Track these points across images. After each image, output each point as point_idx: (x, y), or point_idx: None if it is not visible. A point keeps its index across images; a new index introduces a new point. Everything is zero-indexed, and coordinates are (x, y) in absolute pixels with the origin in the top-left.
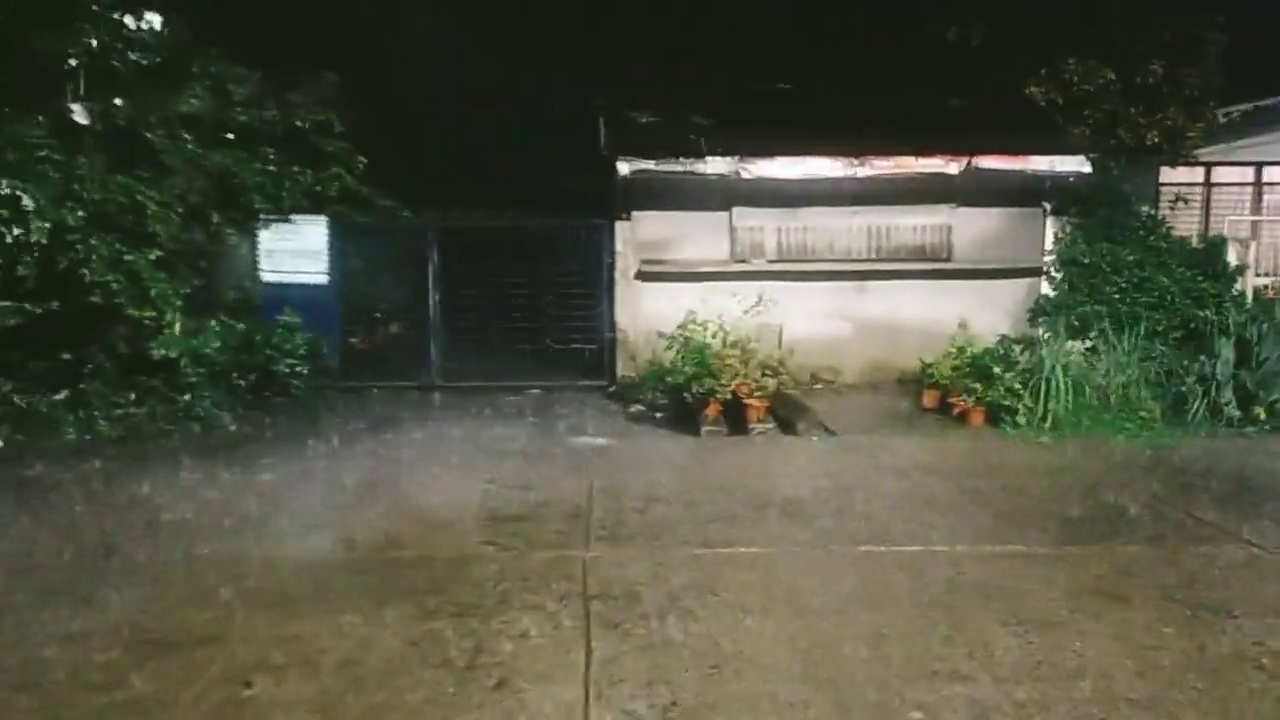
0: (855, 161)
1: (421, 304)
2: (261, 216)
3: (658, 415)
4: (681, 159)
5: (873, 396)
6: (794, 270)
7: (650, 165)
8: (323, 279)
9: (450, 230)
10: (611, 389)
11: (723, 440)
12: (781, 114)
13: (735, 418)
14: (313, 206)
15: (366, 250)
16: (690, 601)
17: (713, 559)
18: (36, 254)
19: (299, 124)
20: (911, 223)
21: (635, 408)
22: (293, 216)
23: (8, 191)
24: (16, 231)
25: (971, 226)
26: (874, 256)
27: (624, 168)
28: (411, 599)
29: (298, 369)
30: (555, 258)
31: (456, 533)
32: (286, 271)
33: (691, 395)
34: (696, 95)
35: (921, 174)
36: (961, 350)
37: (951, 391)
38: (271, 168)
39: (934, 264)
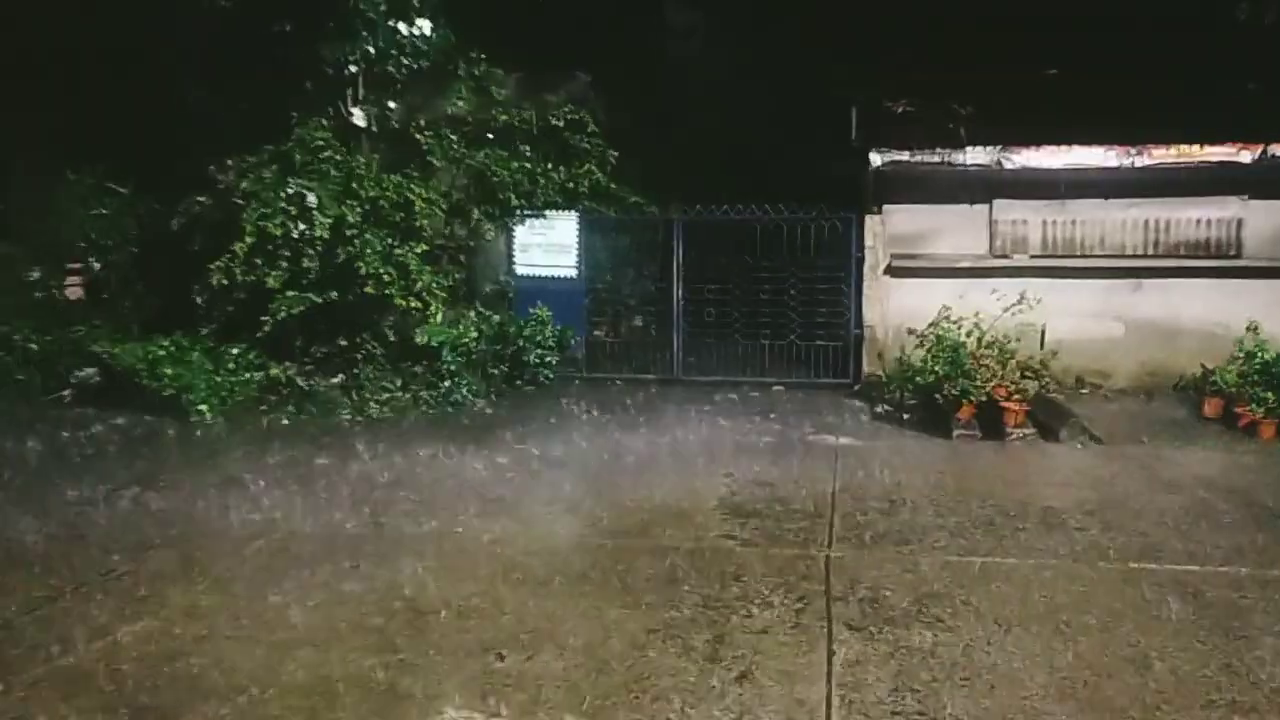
0: (1131, 150)
1: (665, 298)
2: (517, 212)
3: (905, 416)
4: (938, 149)
5: (1145, 403)
6: (1060, 266)
7: (904, 156)
8: (571, 272)
9: (695, 224)
10: (856, 387)
11: (976, 445)
12: (1047, 100)
13: (990, 422)
14: (564, 202)
15: (613, 244)
16: (940, 609)
17: (964, 567)
18: (319, 248)
19: (554, 122)
20: (1194, 215)
21: (881, 407)
22: (545, 212)
23: (295, 190)
24: (302, 227)
25: (1266, 220)
26: (1150, 252)
27: (876, 159)
28: (653, 587)
29: (547, 359)
30: (801, 251)
31: (696, 525)
32: (538, 265)
33: (943, 396)
34: (954, 82)
35: (1208, 163)
36: (1251, 355)
37: (1238, 400)
38: (527, 165)
39: (1220, 261)
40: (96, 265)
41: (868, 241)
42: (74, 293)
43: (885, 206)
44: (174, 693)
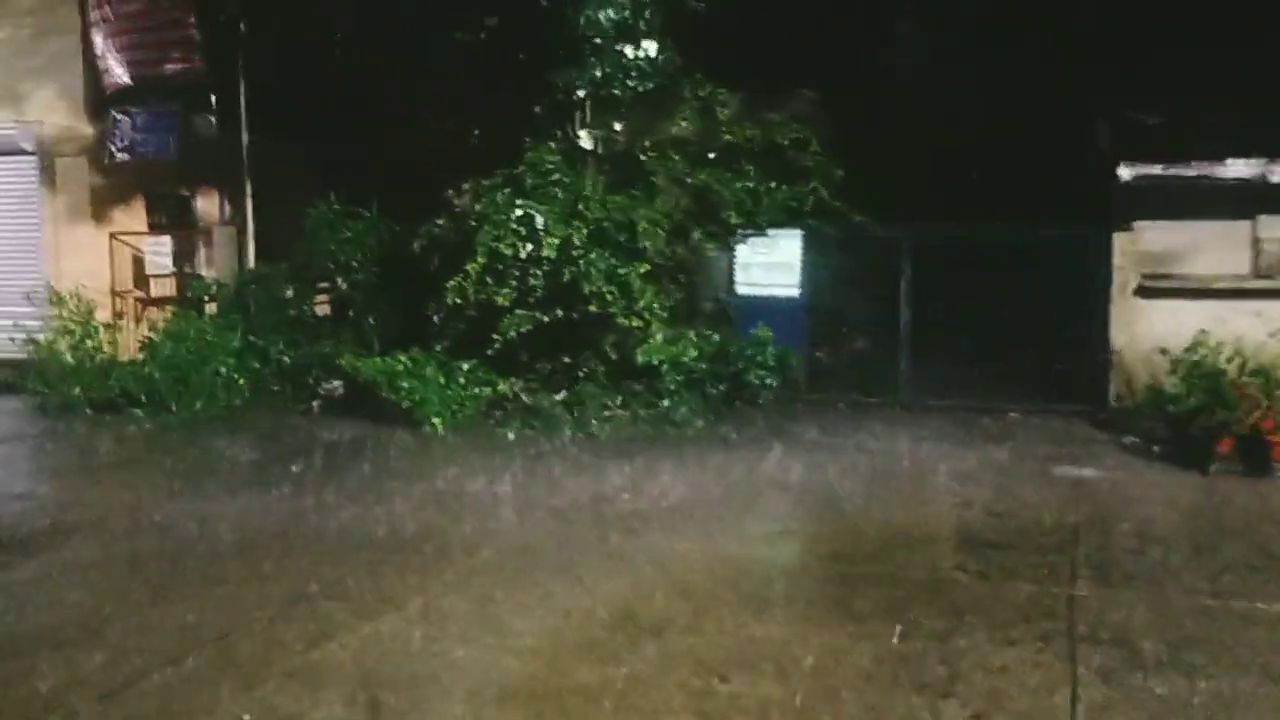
0: None
1: (890, 318)
2: (738, 231)
3: (1155, 448)
4: (1194, 162)
5: None
6: None
7: (1156, 169)
8: (792, 292)
9: (924, 242)
10: (1101, 416)
11: (1237, 481)
12: None
13: (1254, 456)
14: (787, 221)
15: (836, 263)
16: (1196, 656)
17: (1224, 612)
18: (546, 267)
19: (778, 141)
20: None
21: (1128, 438)
22: (767, 230)
23: (524, 212)
24: (530, 247)
25: None
26: None
27: (1125, 173)
28: (882, 616)
29: (767, 380)
30: (1039, 271)
31: (927, 554)
32: (759, 284)
33: (1199, 428)
34: (1212, 90)
35: None
36: None
37: None
38: (749, 184)
39: None
40: (343, 284)
41: (1115, 260)
42: (322, 310)
43: (1134, 223)
44: (409, 691)
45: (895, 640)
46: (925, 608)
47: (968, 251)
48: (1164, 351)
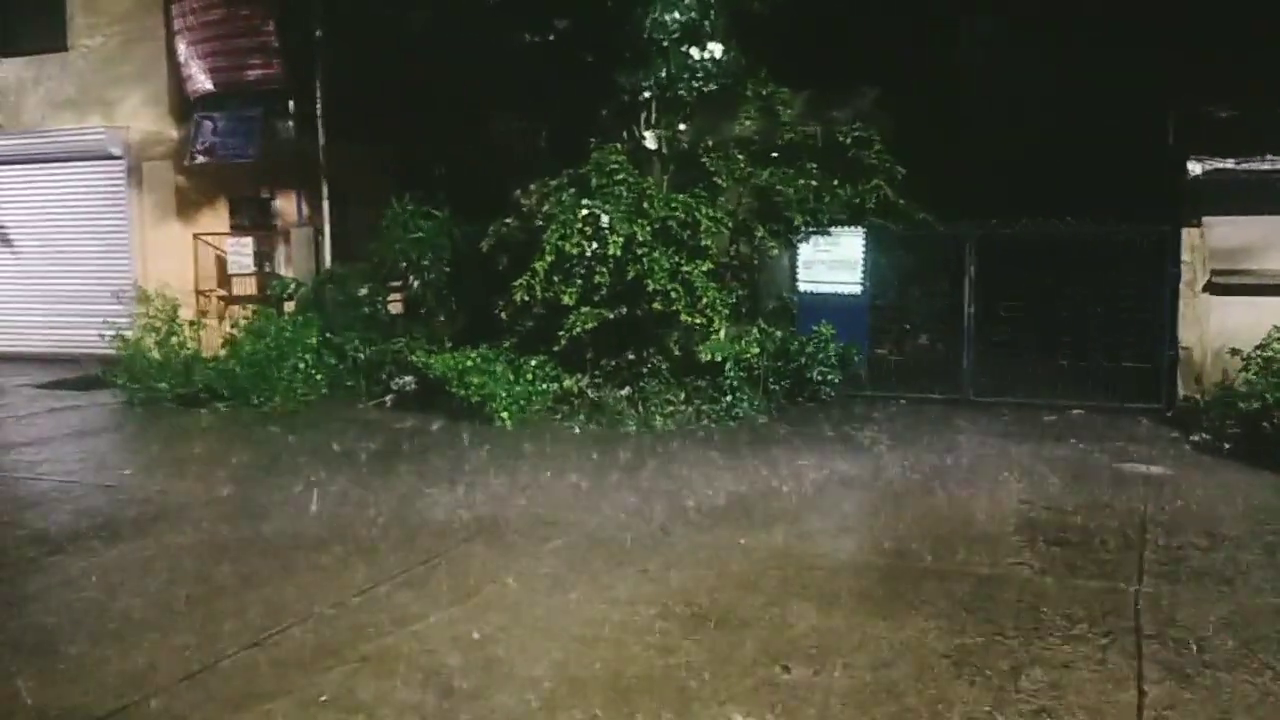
0: None
1: (954, 315)
2: (801, 229)
3: (1226, 446)
4: (1268, 156)
5: None
6: None
7: (1228, 164)
8: (855, 289)
9: (988, 239)
10: (1169, 414)
11: None
12: None
13: None
14: (850, 218)
15: (899, 260)
16: (1268, 656)
17: None
18: (611, 265)
19: (840, 139)
20: None
21: (1198, 435)
22: (830, 228)
23: (589, 211)
24: (595, 245)
25: None
26: None
27: (1195, 167)
28: (944, 611)
29: (829, 377)
30: (1105, 267)
31: (990, 550)
32: (821, 281)
33: (1272, 425)
34: None
35: None
36: None
37: None
38: (813, 182)
39: None
40: (414, 283)
41: (1184, 256)
42: (395, 308)
43: (1205, 219)
44: (480, 678)
45: (958, 635)
46: (989, 603)
47: (1033, 248)
48: (1235, 350)
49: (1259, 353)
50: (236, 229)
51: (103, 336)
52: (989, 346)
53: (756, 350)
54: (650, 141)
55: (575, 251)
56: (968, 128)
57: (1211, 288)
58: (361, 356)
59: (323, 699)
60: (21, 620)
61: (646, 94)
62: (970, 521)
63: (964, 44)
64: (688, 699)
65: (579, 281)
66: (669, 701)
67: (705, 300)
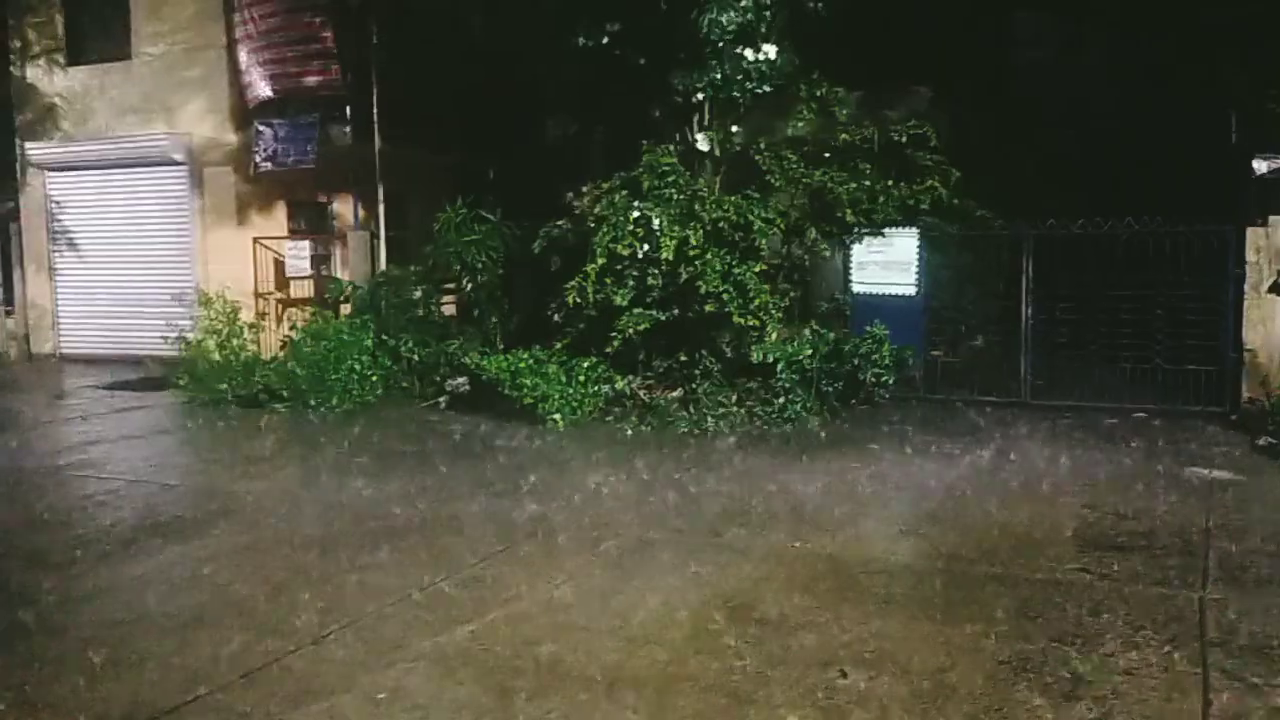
0: None
1: (1011, 316)
2: (854, 230)
3: None
4: None
5: None
6: None
7: None
8: (909, 290)
9: (1046, 239)
10: (1233, 417)
11: None
12: None
13: None
14: (904, 219)
15: (955, 261)
16: None
17: None
18: (663, 267)
19: (895, 139)
20: None
21: (1264, 439)
22: (883, 229)
23: (641, 213)
24: (647, 247)
25: None
26: None
27: (1260, 166)
28: (1002, 616)
29: (883, 379)
30: (1166, 268)
31: (1049, 556)
32: (875, 283)
33: None
34: None
35: None
36: None
37: None
38: (866, 182)
39: None
40: (468, 285)
41: (1249, 256)
42: (449, 310)
43: (1270, 218)
44: (536, 676)
45: (1019, 640)
46: (1048, 609)
47: (1092, 248)
48: None
49: None
50: (294, 233)
51: (165, 339)
52: (1047, 349)
53: (809, 352)
54: (702, 143)
55: (627, 254)
56: (1023, 127)
57: (1277, 289)
58: (416, 358)
59: (381, 696)
60: (90, 615)
61: (700, 96)
62: (1030, 526)
63: (1019, 43)
64: (741, 701)
65: (631, 283)
66: (723, 705)
67: (757, 302)
